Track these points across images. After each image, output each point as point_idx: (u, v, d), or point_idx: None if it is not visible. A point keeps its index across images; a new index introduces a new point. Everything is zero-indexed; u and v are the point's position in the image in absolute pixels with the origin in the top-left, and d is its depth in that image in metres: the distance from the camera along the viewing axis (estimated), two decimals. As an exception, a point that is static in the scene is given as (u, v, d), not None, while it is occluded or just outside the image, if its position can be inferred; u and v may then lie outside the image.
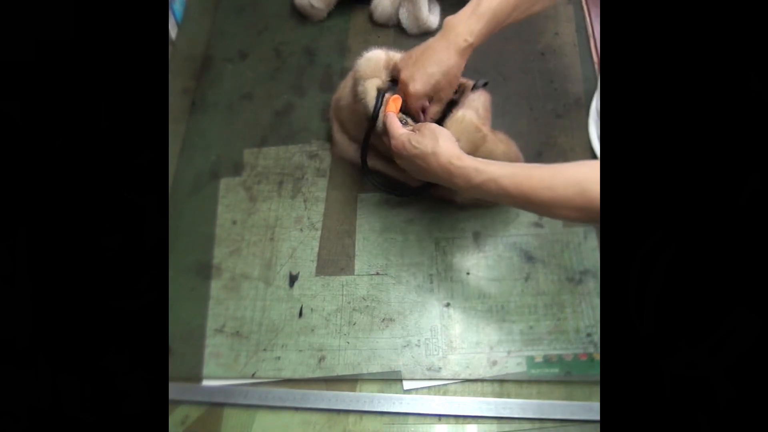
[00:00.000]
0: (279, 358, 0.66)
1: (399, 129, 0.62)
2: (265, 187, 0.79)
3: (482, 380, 0.64)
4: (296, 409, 0.63)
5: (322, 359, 0.66)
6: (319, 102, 0.86)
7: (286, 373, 0.65)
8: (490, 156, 0.61)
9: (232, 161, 0.81)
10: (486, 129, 0.65)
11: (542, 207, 0.53)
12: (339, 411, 0.63)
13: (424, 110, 0.66)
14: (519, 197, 0.53)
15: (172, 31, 0.90)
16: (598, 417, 0.58)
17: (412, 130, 0.62)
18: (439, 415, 0.62)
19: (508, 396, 0.63)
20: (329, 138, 0.81)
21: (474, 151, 0.63)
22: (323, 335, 0.67)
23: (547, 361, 0.64)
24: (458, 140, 0.60)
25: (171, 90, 0.86)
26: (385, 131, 0.64)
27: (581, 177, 0.50)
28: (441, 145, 0.58)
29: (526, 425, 0.61)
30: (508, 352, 0.65)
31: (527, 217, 0.74)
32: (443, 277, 0.71)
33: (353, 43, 0.92)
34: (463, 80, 0.67)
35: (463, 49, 0.61)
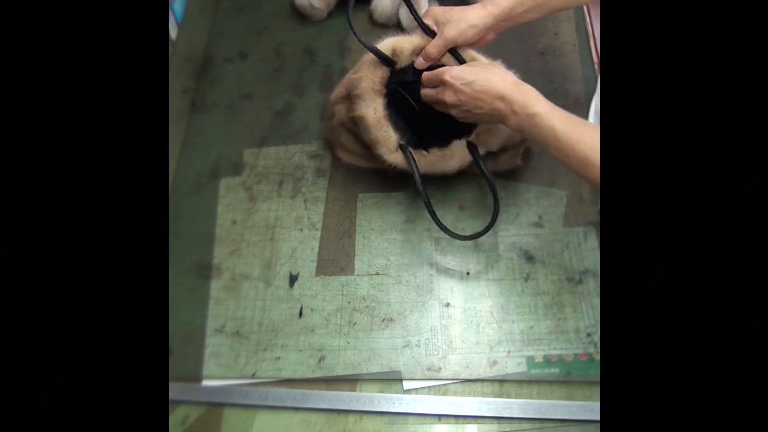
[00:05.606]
0: (279, 358, 0.66)
1: (450, 66, 0.64)
2: (265, 187, 0.79)
3: (482, 380, 0.64)
4: (296, 409, 0.63)
5: (322, 359, 0.66)
6: (319, 102, 0.86)
7: (286, 373, 0.65)
8: None
9: (232, 161, 0.81)
10: None
11: (577, 162, 0.54)
12: (339, 411, 0.63)
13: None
14: (563, 142, 0.54)
15: (172, 31, 0.90)
16: (598, 417, 0.58)
17: None
18: (439, 415, 0.62)
19: (508, 396, 0.63)
20: (324, 128, 0.81)
21: None
22: (323, 335, 0.67)
23: (547, 361, 0.64)
24: None
25: (171, 90, 0.86)
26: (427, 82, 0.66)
27: None
28: (502, 69, 0.63)
29: (526, 425, 0.61)
30: (508, 352, 0.65)
31: (527, 217, 0.74)
32: (443, 277, 0.71)
33: (353, 43, 0.92)
34: (486, 61, 0.68)
35: (482, 3, 0.65)
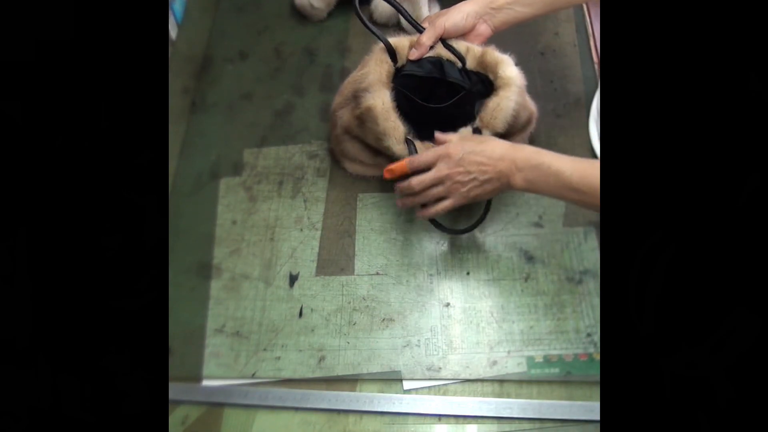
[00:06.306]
0: (279, 358, 0.66)
1: (444, 138, 0.65)
2: (265, 187, 0.79)
3: (482, 380, 0.64)
4: (296, 409, 0.63)
5: (322, 359, 0.66)
6: (319, 102, 0.86)
7: (286, 373, 0.65)
8: None
9: (232, 161, 0.81)
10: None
11: (597, 198, 0.53)
12: (339, 411, 0.63)
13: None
14: (577, 183, 0.55)
15: (172, 31, 0.90)
16: (598, 417, 0.58)
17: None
18: (439, 415, 0.62)
19: (508, 396, 0.63)
20: (329, 139, 0.81)
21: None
22: (323, 335, 0.67)
23: (547, 361, 0.64)
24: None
25: (171, 90, 0.86)
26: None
27: None
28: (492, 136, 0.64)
29: (526, 425, 0.61)
30: (508, 352, 0.65)
31: (527, 217, 0.74)
32: (443, 277, 0.71)
33: (353, 43, 0.92)
34: (497, 54, 0.69)
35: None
